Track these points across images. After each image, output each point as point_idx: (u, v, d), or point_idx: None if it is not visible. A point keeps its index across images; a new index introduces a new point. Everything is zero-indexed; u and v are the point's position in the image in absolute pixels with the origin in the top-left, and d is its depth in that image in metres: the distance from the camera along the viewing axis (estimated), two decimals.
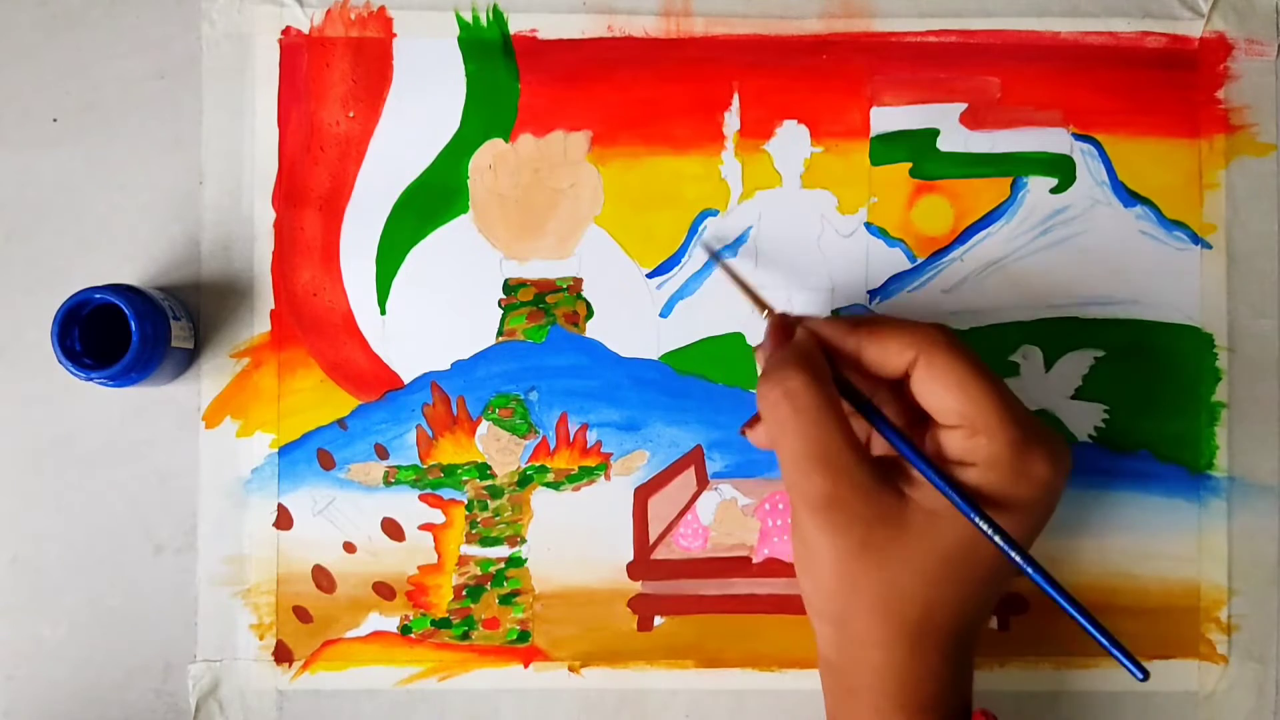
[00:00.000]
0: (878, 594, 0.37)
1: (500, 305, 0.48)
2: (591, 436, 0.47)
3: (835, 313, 0.48)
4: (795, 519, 0.39)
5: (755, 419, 0.41)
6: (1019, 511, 0.37)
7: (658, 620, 0.47)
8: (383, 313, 0.48)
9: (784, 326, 0.41)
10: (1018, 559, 0.36)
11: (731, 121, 0.48)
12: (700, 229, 0.48)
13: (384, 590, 0.47)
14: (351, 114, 0.48)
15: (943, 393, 0.37)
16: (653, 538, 0.47)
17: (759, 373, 0.39)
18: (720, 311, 0.48)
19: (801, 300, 0.48)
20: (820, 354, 0.39)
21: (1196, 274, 0.48)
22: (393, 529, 0.47)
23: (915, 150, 0.48)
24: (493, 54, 0.48)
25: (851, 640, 0.38)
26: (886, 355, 0.38)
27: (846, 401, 0.39)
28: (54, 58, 0.48)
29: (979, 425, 0.37)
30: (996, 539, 0.36)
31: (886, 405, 0.41)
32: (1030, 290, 0.48)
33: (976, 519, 0.36)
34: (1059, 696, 0.47)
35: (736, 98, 0.48)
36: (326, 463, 0.47)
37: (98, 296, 0.43)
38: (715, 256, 0.47)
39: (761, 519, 0.47)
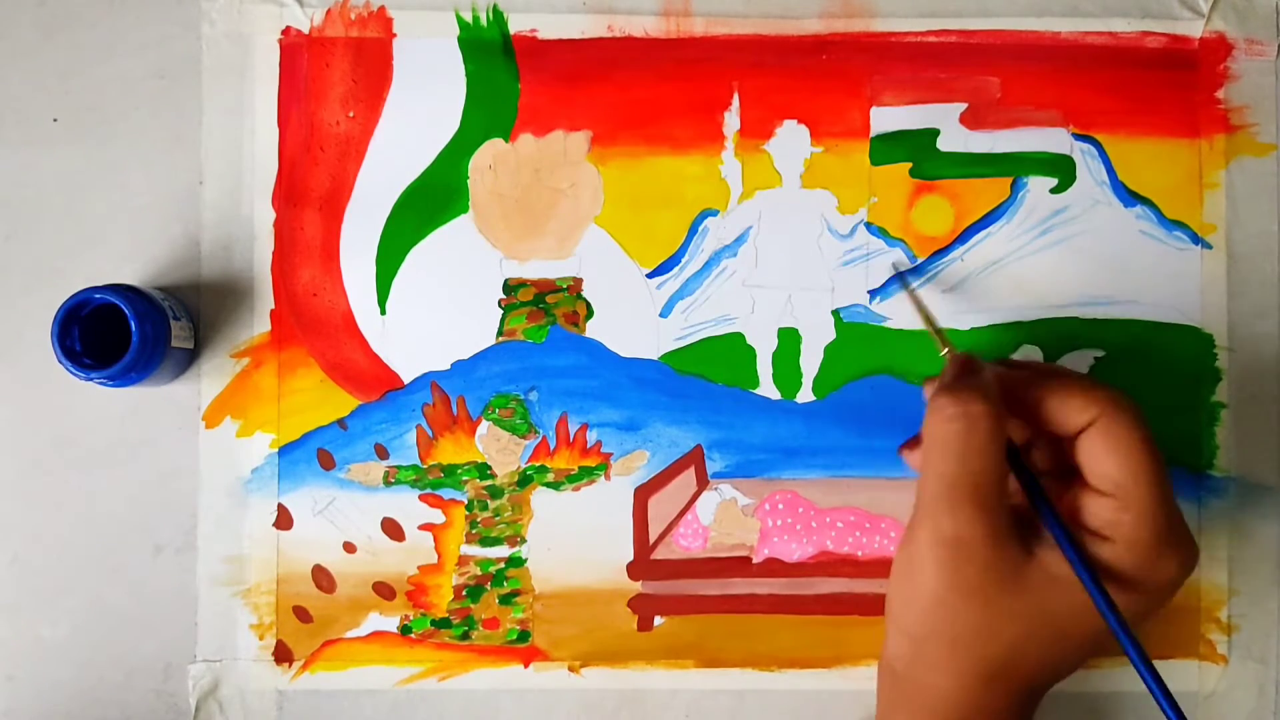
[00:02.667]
0: (971, 633, 0.37)
1: (500, 305, 0.48)
2: (591, 436, 0.47)
3: (835, 314, 0.48)
4: (913, 535, 0.38)
5: (915, 440, 0.41)
6: (1138, 595, 0.37)
7: (658, 620, 0.47)
8: (383, 313, 0.48)
9: (967, 365, 0.41)
10: (1137, 662, 0.36)
11: (731, 121, 0.48)
12: (702, 227, 0.48)
13: (384, 590, 0.47)
14: (351, 114, 0.48)
15: (1111, 460, 0.37)
16: (653, 538, 0.47)
17: (929, 401, 0.39)
18: (720, 312, 0.48)
19: (802, 300, 0.48)
20: (1001, 395, 0.39)
21: (1196, 274, 0.48)
22: (393, 529, 0.47)
23: (915, 150, 0.48)
24: (493, 54, 0.48)
25: (925, 661, 0.38)
26: (1066, 411, 0.38)
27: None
28: (54, 58, 0.48)
29: (1133, 504, 0.36)
30: (1121, 636, 0.36)
31: (1032, 452, 0.40)
32: (1030, 290, 0.48)
33: (1108, 615, 0.36)
34: (1059, 696, 0.47)
35: (736, 98, 0.48)
36: (326, 463, 0.47)
37: (98, 296, 0.43)
38: (903, 281, 0.47)
39: (761, 519, 0.47)
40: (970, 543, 0.37)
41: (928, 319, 0.45)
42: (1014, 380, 0.39)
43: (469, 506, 0.47)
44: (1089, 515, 0.38)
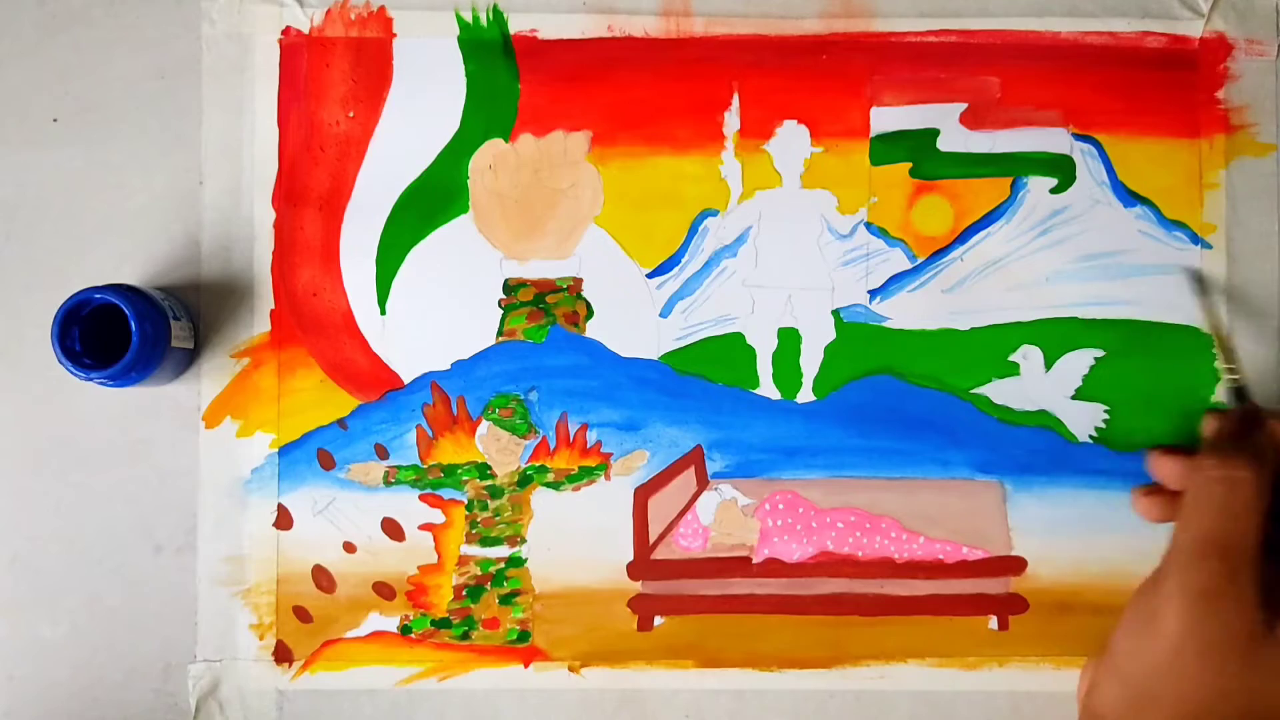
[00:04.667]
0: (1195, 701, 0.36)
1: (500, 305, 0.48)
2: (591, 436, 0.47)
3: (835, 314, 0.48)
4: (1158, 585, 0.38)
5: (1152, 488, 0.42)
6: None
7: (658, 620, 0.47)
8: (383, 313, 0.48)
9: (1247, 419, 0.41)
10: None
11: (731, 121, 0.48)
12: (702, 227, 0.48)
13: (384, 590, 0.47)
14: (351, 114, 0.48)
15: None
16: (653, 538, 0.47)
17: (1204, 443, 0.39)
18: (720, 312, 0.48)
19: (802, 300, 0.48)
20: (1275, 464, 0.38)
21: None
22: (393, 529, 0.47)
23: (915, 150, 0.48)
24: (493, 54, 0.48)
25: (1141, 716, 0.37)
26: None
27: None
28: (54, 58, 0.48)
29: None
30: None
31: None
32: (1030, 290, 0.48)
33: None
34: (1059, 697, 0.47)
35: (736, 98, 0.48)
36: (326, 463, 0.47)
37: (98, 296, 0.43)
38: (1201, 288, 0.46)
39: (761, 519, 0.47)
40: (1217, 598, 0.36)
41: (1220, 335, 0.45)
42: None
43: (469, 506, 0.47)
44: None
